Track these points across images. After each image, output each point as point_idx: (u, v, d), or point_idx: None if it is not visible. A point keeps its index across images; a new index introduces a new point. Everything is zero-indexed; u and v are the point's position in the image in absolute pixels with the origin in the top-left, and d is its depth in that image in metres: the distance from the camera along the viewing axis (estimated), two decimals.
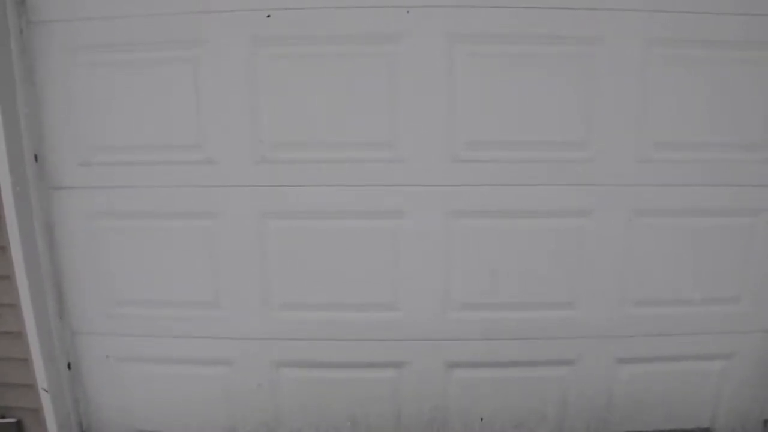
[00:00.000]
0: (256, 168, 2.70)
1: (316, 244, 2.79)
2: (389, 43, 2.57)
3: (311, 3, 2.53)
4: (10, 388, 2.89)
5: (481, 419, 2.99)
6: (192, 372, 2.97)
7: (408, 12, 2.54)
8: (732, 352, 2.92)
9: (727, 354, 2.92)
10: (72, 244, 2.83)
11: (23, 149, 2.66)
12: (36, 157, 2.71)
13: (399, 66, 2.59)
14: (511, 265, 2.80)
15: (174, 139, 2.69)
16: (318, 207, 2.74)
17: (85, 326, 2.93)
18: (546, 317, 2.86)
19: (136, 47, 2.61)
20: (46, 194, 2.76)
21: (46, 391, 2.83)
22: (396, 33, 2.56)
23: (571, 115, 2.63)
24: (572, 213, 2.74)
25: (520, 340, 2.88)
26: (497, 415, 2.98)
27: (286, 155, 2.69)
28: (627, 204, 2.72)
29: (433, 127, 2.64)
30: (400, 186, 2.70)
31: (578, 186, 2.70)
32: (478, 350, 2.89)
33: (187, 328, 2.90)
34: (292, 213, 2.76)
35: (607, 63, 2.56)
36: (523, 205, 2.72)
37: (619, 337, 2.88)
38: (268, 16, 2.55)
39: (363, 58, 2.59)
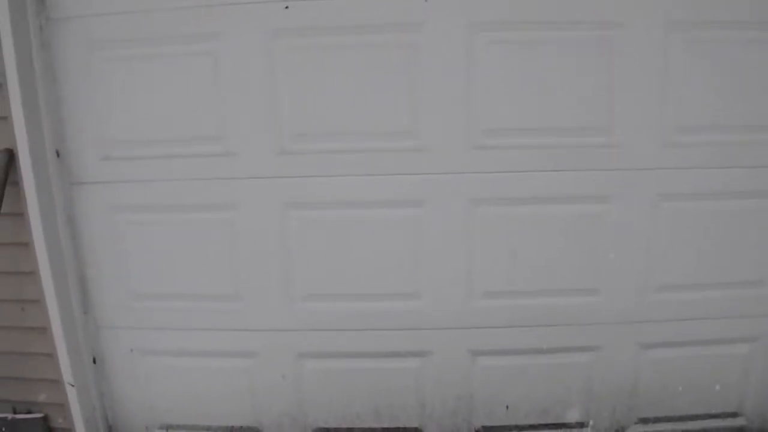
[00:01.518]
0: (277, 159, 2.69)
1: (338, 235, 2.79)
2: (408, 32, 2.56)
3: None
4: (35, 383, 2.91)
5: (507, 407, 2.98)
6: (215, 364, 2.98)
7: (426, 0, 2.52)
8: (757, 335, 2.88)
9: (753, 337, 2.89)
10: (95, 239, 2.84)
11: (45, 146, 2.67)
12: (58, 153, 2.73)
13: (418, 54, 2.57)
14: (533, 252, 2.79)
15: (194, 132, 2.70)
16: (339, 197, 2.74)
17: (109, 320, 2.95)
18: (569, 304, 2.84)
19: (155, 41, 2.61)
20: (68, 190, 2.78)
21: (72, 385, 2.85)
22: (415, 22, 2.54)
23: (592, 100, 2.61)
24: (594, 198, 2.72)
25: (543, 327, 2.87)
26: (522, 402, 2.97)
27: (306, 146, 2.69)
28: (649, 188, 2.69)
29: (453, 114, 2.63)
30: (421, 174, 2.69)
31: (600, 171, 2.68)
32: (501, 338, 2.88)
33: (210, 320, 2.90)
34: (312, 204, 2.76)
35: (627, 47, 2.53)
36: (545, 191, 2.70)
37: (643, 322, 2.86)
38: (287, 7, 2.54)
39: (382, 48, 2.58)
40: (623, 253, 2.78)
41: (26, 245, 2.71)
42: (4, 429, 2.91)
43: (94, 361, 2.97)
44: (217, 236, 2.82)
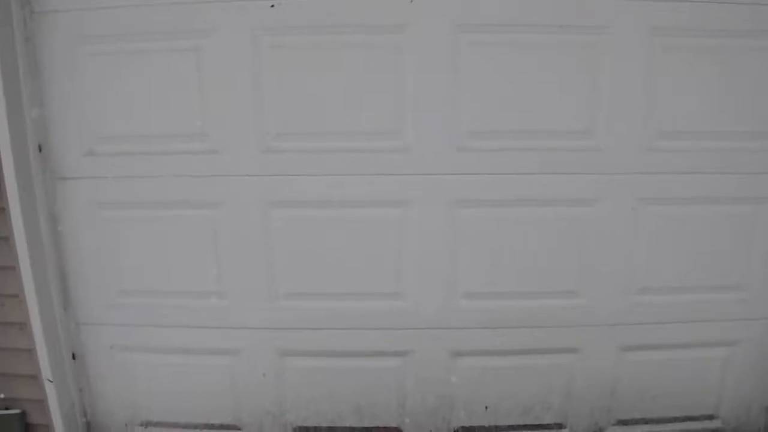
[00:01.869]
0: (261, 157, 2.70)
1: (321, 234, 2.79)
2: (393, 33, 2.58)
3: None
4: (14, 379, 2.89)
5: (486, 408, 2.99)
6: (197, 362, 2.97)
7: (411, 1, 2.53)
8: (736, 339, 2.93)
9: (732, 341, 2.93)
10: (76, 235, 2.82)
11: (27, 140, 2.65)
12: (40, 148, 2.71)
13: (403, 55, 2.59)
14: (515, 254, 2.80)
15: (179, 129, 2.69)
16: (323, 196, 2.74)
17: (89, 316, 2.93)
18: (551, 305, 2.86)
19: (140, 37, 2.61)
20: (50, 185, 2.76)
21: (51, 381, 2.83)
22: (400, 22, 2.56)
23: (576, 104, 2.63)
24: (577, 201, 2.74)
25: (524, 328, 2.88)
26: (502, 403, 2.99)
27: (290, 145, 2.69)
28: (632, 192, 2.72)
29: (438, 116, 2.64)
30: (405, 175, 2.71)
31: (583, 175, 2.70)
32: (483, 339, 2.90)
33: (192, 317, 2.90)
34: (296, 202, 2.76)
35: (612, 51, 2.56)
36: (528, 193, 2.72)
37: (623, 324, 2.89)
38: (272, 5, 2.55)
39: (367, 48, 2.60)
40: (606, 256, 2.81)
41: (6, 240, 2.69)
42: None
43: (74, 358, 2.95)
44: (201, 234, 2.82)
